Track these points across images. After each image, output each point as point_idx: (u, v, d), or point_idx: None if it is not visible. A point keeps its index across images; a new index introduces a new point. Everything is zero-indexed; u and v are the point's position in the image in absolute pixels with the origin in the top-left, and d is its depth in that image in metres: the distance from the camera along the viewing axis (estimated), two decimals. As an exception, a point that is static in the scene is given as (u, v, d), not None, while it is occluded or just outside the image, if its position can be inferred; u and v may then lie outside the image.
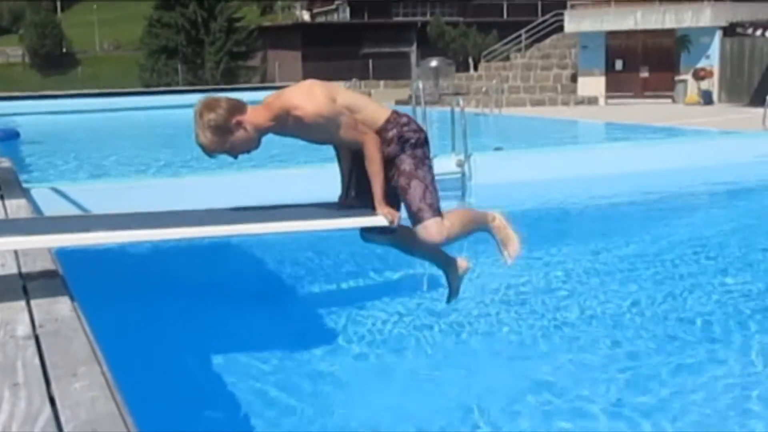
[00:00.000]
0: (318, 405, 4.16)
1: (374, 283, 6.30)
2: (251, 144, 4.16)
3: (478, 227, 4.61)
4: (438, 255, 4.65)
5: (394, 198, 4.36)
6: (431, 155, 4.43)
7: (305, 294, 6.13)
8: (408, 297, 5.77)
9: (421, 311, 5.47)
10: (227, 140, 4.07)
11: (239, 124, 4.05)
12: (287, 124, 4.14)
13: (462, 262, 4.70)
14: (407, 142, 4.29)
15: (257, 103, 4.28)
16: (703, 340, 4.89)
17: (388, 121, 4.28)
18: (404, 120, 4.34)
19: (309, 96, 4.09)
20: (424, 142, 4.36)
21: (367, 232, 4.51)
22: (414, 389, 4.37)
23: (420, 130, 4.38)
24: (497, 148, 10.55)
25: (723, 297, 5.72)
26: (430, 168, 4.40)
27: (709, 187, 10.81)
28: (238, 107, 4.09)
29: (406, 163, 4.30)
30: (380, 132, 4.23)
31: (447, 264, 4.68)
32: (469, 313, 5.45)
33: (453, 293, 4.73)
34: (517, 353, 4.78)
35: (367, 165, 4.22)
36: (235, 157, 4.21)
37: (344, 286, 6.25)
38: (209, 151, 4.13)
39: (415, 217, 4.29)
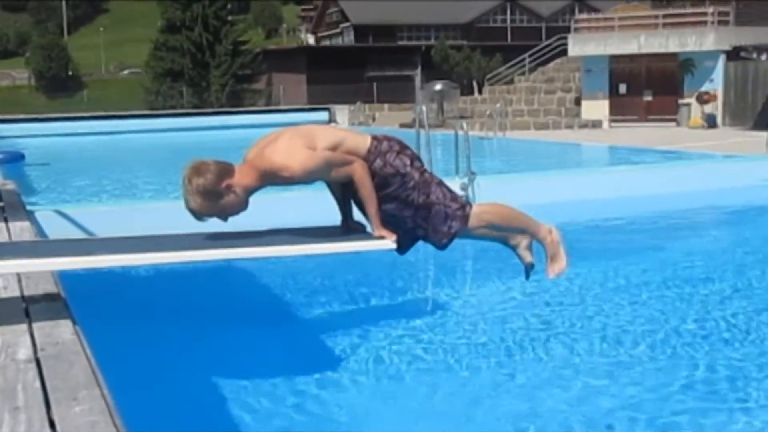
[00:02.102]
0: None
1: (378, 306, 6.28)
2: (241, 206, 4.15)
3: (522, 230, 4.66)
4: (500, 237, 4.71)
5: (392, 227, 4.39)
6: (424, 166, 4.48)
7: (309, 318, 6.11)
8: (414, 321, 5.75)
9: (426, 335, 5.45)
10: (218, 204, 4.04)
11: (229, 187, 4.03)
12: (275, 182, 4.16)
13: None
14: (398, 171, 4.30)
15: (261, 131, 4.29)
16: (705, 361, 4.87)
17: (369, 151, 4.29)
18: (385, 147, 4.33)
19: (291, 153, 4.05)
20: (412, 159, 4.38)
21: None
22: (420, 415, 4.35)
23: (402, 150, 4.39)
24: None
25: (727, 319, 5.68)
26: (431, 177, 4.46)
27: (713, 210, 10.79)
28: (227, 170, 4.06)
29: (416, 195, 4.33)
30: (365, 161, 4.26)
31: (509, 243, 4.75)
32: (474, 338, 5.43)
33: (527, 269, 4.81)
34: (526, 380, 4.74)
35: (359, 191, 4.24)
36: (225, 219, 4.19)
37: (347, 310, 6.23)
38: (199, 216, 4.10)
39: (449, 235, 4.42)
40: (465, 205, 4.50)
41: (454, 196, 4.50)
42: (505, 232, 4.66)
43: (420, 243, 4.65)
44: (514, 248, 4.75)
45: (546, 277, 4.81)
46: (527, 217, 4.73)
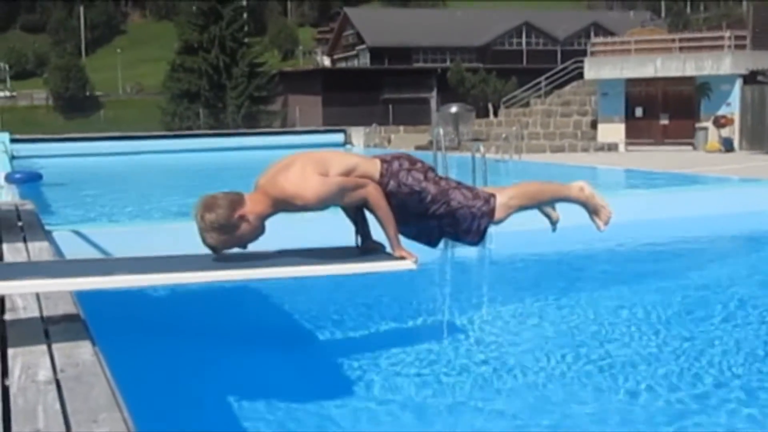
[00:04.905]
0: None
1: (393, 329, 6.25)
2: (257, 232, 4.15)
3: (553, 199, 4.81)
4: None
5: (418, 232, 4.44)
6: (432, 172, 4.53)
7: (328, 340, 6.09)
8: (428, 344, 5.73)
9: (441, 358, 5.42)
10: (234, 236, 4.06)
11: (242, 217, 4.03)
12: (288, 209, 4.17)
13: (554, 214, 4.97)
14: (413, 189, 4.32)
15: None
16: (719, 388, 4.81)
17: (381, 174, 4.30)
18: (395, 167, 4.35)
19: (304, 181, 4.05)
20: (425, 173, 4.41)
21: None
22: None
23: (412, 165, 4.41)
24: None
25: (743, 344, 5.63)
26: (448, 184, 4.50)
27: (730, 235, 10.72)
28: (237, 200, 4.06)
29: (437, 206, 4.36)
30: (379, 185, 4.28)
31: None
32: (488, 361, 5.40)
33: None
34: (545, 405, 4.71)
35: (375, 213, 4.25)
36: (245, 247, 4.20)
37: (362, 332, 6.21)
38: (219, 250, 4.12)
39: (480, 233, 4.51)
40: (489, 198, 4.53)
41: (476, 194, 4.53)
42: (535, 208, 4.76)
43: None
44: (538, 209, 4.89)
45: (598, 230, 4.97)
46: (553, 185, 4.86)
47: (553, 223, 4.96)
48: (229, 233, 4.03)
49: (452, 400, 4.72)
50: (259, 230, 4.15)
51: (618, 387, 4.87)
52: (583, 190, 4.83)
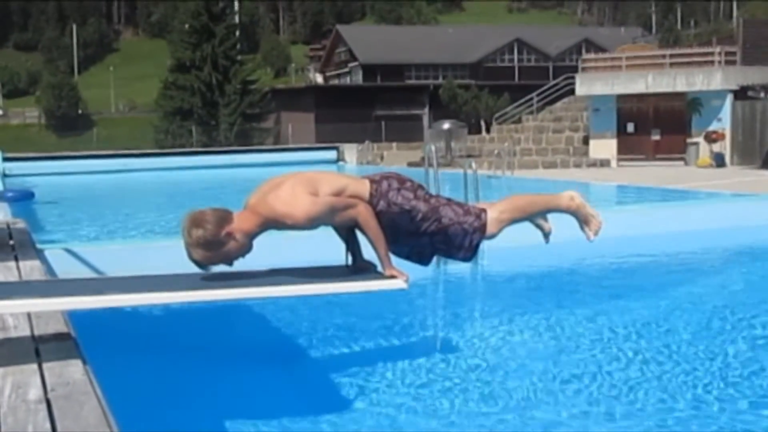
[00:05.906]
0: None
1: (386, 345, 6.24)
2: (244, 250, 4.16)
3: (544, 210, 4.85)
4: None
5: (410, 250, 4.45)
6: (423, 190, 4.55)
7: (320, 356, 6.08)
8: (422, 360, 5.72)
9: (435, 374, 5.42)
10: (220, 252, 4.06)
11: (229, 235, 4.04)
12: (278, 227, 4.18)
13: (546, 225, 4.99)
14: (403, 208, 4.33)
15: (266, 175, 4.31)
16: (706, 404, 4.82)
17: (371, 195, 4.31)
18: (384, 186, 4.36)
19: (293, 201, 4.07)
20: (414, 191, 4.42)
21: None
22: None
23: (402, 184, 4.42)
24: None
25: (735, 361, 5.63)
26: (438, 201, 4.51)
27: (722, 250, 10.75)
28: (225, 218, 4.07)
29: (428, 224, 4.37)
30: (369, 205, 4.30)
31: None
32: (482, 375, 5.40)
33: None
34: (541, 416, 4.70)
35: (365, 233, 4.26)
36: (230, 264, 4.20)
37: (352, 349, 6.20)
38: (204, 266, 4.12)
39: (472, 249, 4.54)
40: (480, 213, 4.55)
41: (467, 210, 4.55)
42: (526, 220, 4.77)
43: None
44: (530, 221, 4.90)
45: (588, 240, 4.99)
46: (543, 197, 4.90)
47: (546, 234, 4.96)
48: (215, 250, 4.03)
49: (444, 415, 4.71)
50: (245, 248, 4.15)
51: (613, 402, 4.87)
52: (573, 200, 4.86)
